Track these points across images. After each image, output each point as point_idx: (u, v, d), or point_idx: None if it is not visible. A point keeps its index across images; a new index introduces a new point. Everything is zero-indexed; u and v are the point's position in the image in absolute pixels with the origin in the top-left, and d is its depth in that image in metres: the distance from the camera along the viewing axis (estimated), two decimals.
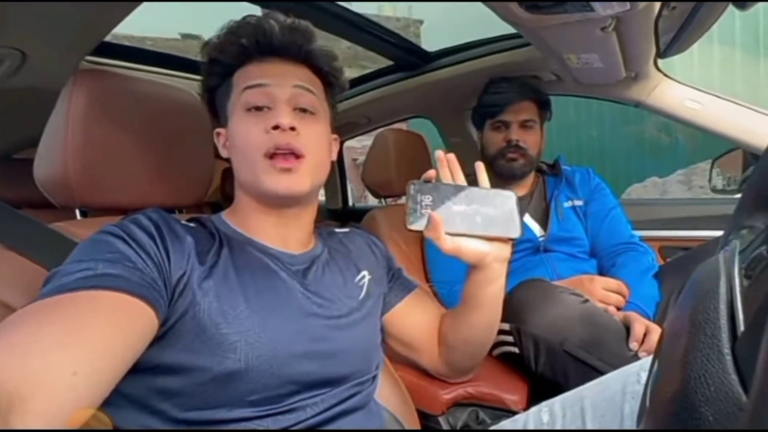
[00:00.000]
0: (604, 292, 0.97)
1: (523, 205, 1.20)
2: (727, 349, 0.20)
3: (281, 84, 0.58)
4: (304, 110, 0.59)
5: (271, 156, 0.56)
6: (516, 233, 0.59)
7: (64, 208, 0.65)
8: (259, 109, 0.58)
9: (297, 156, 0.56)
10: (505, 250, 0.61)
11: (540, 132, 1.22)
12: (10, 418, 0.32)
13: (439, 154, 0.63)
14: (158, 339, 0.46)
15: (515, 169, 1.18)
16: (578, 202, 1.20)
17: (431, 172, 0.61)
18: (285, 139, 0.56)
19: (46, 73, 0.92)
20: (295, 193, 0.58)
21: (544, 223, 1.18)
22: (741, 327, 0.20)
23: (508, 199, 0.60)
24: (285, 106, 0.57)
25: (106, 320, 0.41)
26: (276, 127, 0.56)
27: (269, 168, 0.56)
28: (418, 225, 0.57)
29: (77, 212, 0.68)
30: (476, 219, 0.58)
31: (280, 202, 0.60)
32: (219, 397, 0.47)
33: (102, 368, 0.39)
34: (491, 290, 0.63)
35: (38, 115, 0.71)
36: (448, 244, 0.57)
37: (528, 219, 1.19)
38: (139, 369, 0.44)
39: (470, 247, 0.58)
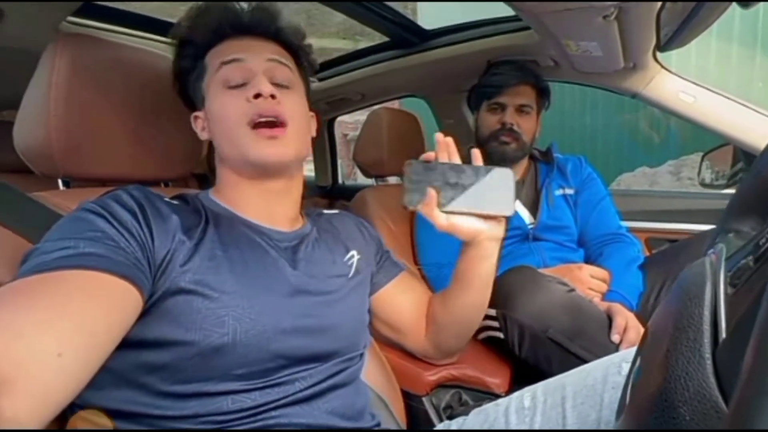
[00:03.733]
0: (592, 280, 0.99)
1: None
2: (708, 354, 0.20)
3: (256, 57, 0.59)
4: (280, 85, 0.59)
5: (255, 126, 0.56)
6: (509, 211, 0.60)
7: (45, 176, 0.63)
8: (237, 86, 0.57)
9: (281, 124, 0.57)
10: (499, 229, 0.63)
11: (535, 118, 1.22)
12: None
13: (438, 136, 0.64)
14: (143, 314, 0.46)
15: (507, 152, 1.17)
16: (569, 191, 1.21)
17: (429, 154, 0.62)
18: (268, 105, 0.56)
19: (25, 33, 0.88)
20: (281, 160, 0.58)
21: (534, 211, 1.18)
22: (723, 334, 0.21)
23: (504, 176, 0.60)
24: (263, 77, 0.57)
25: (90, 300, 0.40)
26: (257, 96, 0.56)
27: (254, 137, 0.56)
28: (414, 203, 0.59)
29: (59, 181, 0.66)
30: (471, 197, 0.59)
31: (266, 172, 0.59)
32: (206, 371, 0.48)
33: (87, 348, 0.39)
34: (483, 268, 0.65)
35: (16, 77, 0.69)
36: (442, 220, 0.59)
37: (518, 205, 1.19)
38: (124, 344, 0.44)
39: (464, 225, 0.60)
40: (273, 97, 0.56)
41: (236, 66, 0.58)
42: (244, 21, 0.60)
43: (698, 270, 0.26)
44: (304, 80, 0.66)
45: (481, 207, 0.59)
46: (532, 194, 1.22)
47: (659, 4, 0.84)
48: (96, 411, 0.45)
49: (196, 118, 0.63)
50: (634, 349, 0.54)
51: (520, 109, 1.18)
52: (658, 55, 1.16)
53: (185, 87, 0.64)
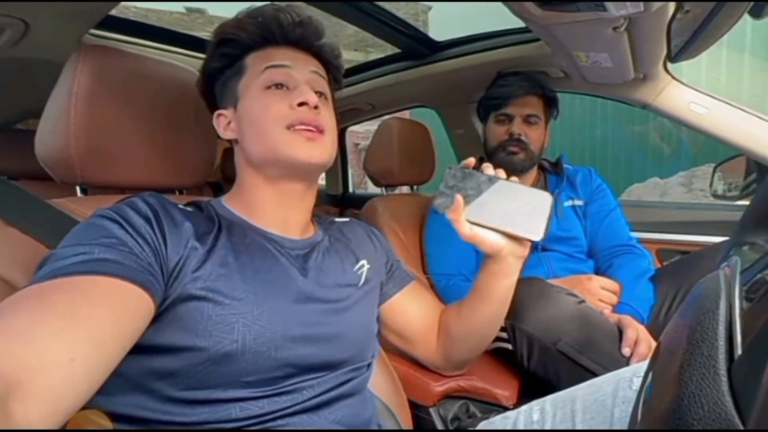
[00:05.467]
0: (602, 291, 0.98)
1: None
2: (723, 371, 0.20)
3: (302, 67, 0.61)
4: (320, 93, 0.62)
5: (291, 127, 0.57)
6: (537, 236, 0.58)
7: (64, 182, 0.64)
8: (279, 87, 0.59)
9: (320, 132, 0.59)
10: (522, 249, 0.63)
11: (544, 128, 1.22)
12: (10, 404, 0.32)
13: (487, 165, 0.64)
14: (155, 320, 0.47)
15: (515, 162, 1.17)
16: (578, 202, 1.20)
17: (471, 160, 0.63)
18: (310, 115, 0.58)
19: (49, 44, 0.91)
20: (316, 161, 0.58)
21: None
22: (738, 350, 0.21)
23: (541, 199, 0.58)
24: (307, 87, 0.59)
25: (103, 306, 0.41)
26: (302, 104, 0.57)
27: (291, 137, 0.57)
28: (443, 207, 0.59)
29: (77, 188, 0.67)
30: (501, 212, 0.59)
31: (295, 172, 0.60)
32: (215, 378, 0.48)
33: (99, 354, 0.39)
34: (503, 284, 0.65)
35: (40, 87, 0.71)
36: (466, 229, 0.59)
37: None
38: (135, 350, 0.44)
39: (487, 238, 0.60)
40: (316, 107, 0.58)
41: (282, 71, 0.60)
42: (294, 32, 0.62)
43: (712, 283, 0.26)
44: (333, 96, 0.69)
45: (508, 225, 0.58)
46: None
47: (670, 15, 0.84)
48: (96, 411, 0.46)
49: (219, 116, 0.64)
50: (645, 364, 0.53)
51: (527, 120, 1.18)
52: (669, 65, 1.15)
53: (212, 85, 0.64)
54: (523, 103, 1.17)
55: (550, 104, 1.23)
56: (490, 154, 1.22)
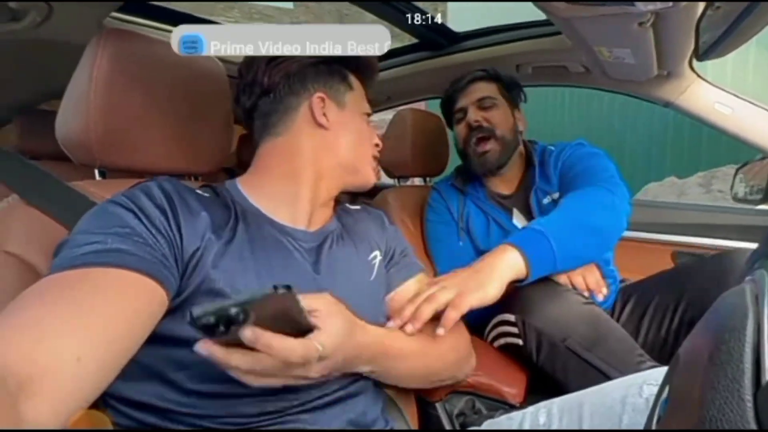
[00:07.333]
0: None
1: (511, 202, 1.15)
2: (748, 396, 0.19)
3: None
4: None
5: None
6: None
7: (83, 165, 0.65)
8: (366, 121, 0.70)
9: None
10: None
11: (507, 110, 1.14)
12: (20, 401, 0.33)
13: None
14: (173, 311, 0.47)
15: (489, 161, 1.09)
16: (555, 196, 1.10)
17: None
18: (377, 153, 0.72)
19: (71, 26, 0.91)
20: (372, 184, 0.70)
21: (529, 219, 1.11)
22: (766, 375, 0.20)
23: None
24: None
25: (116, 301, 0.41)
26: (377, 144, 0.71)
27: (371, 163, 0.69)
28: None
29: (96, 171, 0.68)
30: None
31: (354, 185, 0.68)
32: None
33: (109, 351, 0.39)
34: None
35: (62, 68, 0.71)
36: None
37: (518, 217, 1.13)
38: (154, 339, 0.45)
39: None
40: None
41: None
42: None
43: (738, 300, 0.25)
44: None
45: None
46: (527, 204, 1.13)
47: (699, 12, 0.81)
48: (96, 411, 0.46)
49: (320, 98, 0.63)
50: (656, 372, 0.53)
51: (481, 104, 1.12)
52: (695, 63, 1.12)
53: (300, 71, 0.63)
54: (472, 90, 1.14)
55: (508, 87, 1.16)
56: (464, 160, 1.18)
